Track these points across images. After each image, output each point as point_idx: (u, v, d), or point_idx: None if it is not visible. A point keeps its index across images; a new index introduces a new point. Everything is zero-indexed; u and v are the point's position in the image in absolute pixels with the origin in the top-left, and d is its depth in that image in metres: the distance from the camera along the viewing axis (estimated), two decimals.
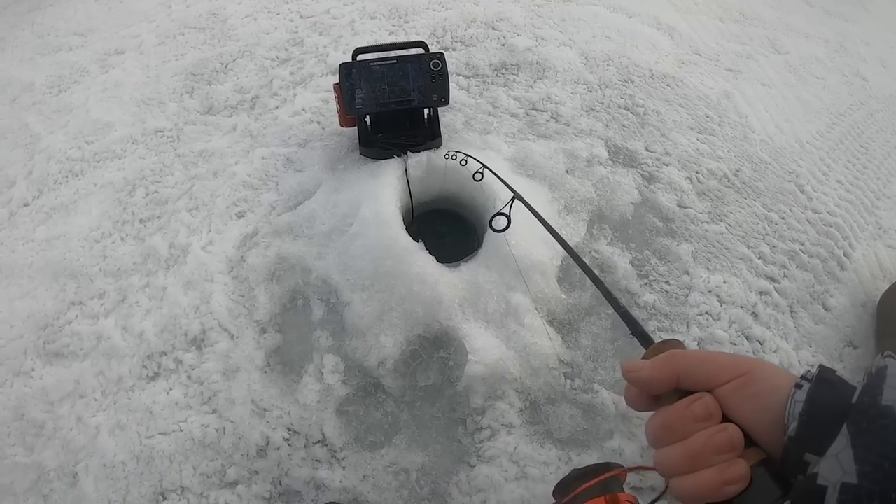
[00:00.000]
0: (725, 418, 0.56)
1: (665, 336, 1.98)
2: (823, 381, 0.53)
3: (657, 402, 0.62)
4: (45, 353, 2.03)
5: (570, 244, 2.05)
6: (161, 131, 2.66)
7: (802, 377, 0.55)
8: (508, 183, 1.57)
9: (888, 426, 0.46)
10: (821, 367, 0.55)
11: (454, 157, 2.04)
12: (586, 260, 2.07)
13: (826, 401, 0.51)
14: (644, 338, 0.71)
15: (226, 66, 2.91)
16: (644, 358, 0.65)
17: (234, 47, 2.99)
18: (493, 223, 1.32)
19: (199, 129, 2.63)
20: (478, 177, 1.81)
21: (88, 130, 2.70)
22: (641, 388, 0.62)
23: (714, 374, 0.57)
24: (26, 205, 2.47)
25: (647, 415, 0.64)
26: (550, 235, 1.99)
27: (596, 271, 2.07)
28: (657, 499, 0.93)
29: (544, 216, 2.07)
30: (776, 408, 0.54)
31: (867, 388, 0.50)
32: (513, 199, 1.37)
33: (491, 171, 1.79)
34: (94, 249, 2.25)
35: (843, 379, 0.54)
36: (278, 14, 3.17)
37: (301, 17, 3.12)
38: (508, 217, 1.31)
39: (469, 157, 2.00)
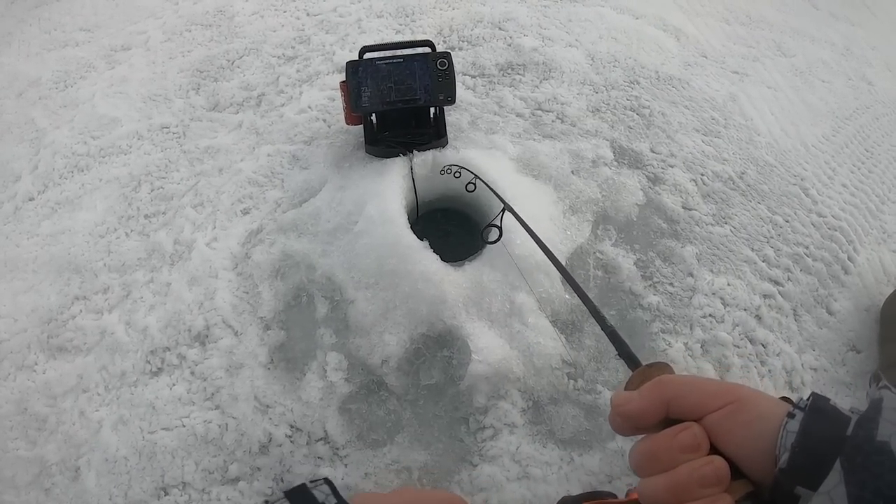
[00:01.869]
0: (713, 448, 0.55)
1: (668, 338, 1.99)
2: (817, 411, 0.52)
3: (642, 429, 0.61)
4: (48, 347, 2.03)
5: (575, 244, 2.07)
6: (167, 127, 2.66)
7: (795, 406, 0.53)
8: (499, 194, 1.57)
9: (883, 463, 0.45)
10: (814, 395, 0.54)
11: (448, 171, 2.04)
12: (590, 261, 2.09)
13: (819, 432, 0.50)
14: (631, 359, 0.70)
15: (232, 64, 2.91)
16: (629, 382, 0.64)
17: (241, 44, 2.99)
18: (485, 235, 1.31)
19: (204, 126, 2.64)
20: (470, 188, 1.81)
21: (94, 126, 2.70)
22: (632, 423, 0.60)
23: (703, 401, 0.56)
24: (31, 199, 2.48)
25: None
26: (553, 240, 2.00)
27: (599, 272, 2.08)
28: None
29: (548, 217, 2.09)
30: (767, 437, 0.52)
31: (862, 421, 0.49)
32: (503, 211, 1.36)
33: (483, 182, 1.79)
34: (99, 244, 2.26)
35: (837, 408, 0.53)
36: (285, 12, 3.17)
37: (308, 15, 3.12)
38: (500, 228, 1.30)
39: (462, 169, 2.00)
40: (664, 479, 0.53)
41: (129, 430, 1.84)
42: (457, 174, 2.00)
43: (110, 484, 1.76)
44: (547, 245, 1.10)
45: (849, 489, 0.45)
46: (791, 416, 0.52)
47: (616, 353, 0.75)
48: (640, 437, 0.60)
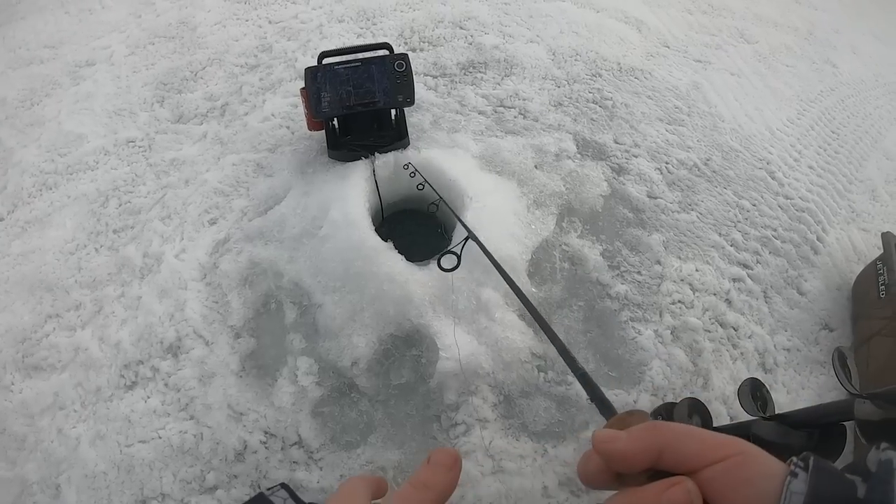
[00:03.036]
0: None
1: (637, 326, 2.00)
2: (823, 471, 0.46)
3: (618, 480, 0.53)
4: (23, 366, 2.03)
5: (540, 237, 2.08)
6: (133, 141, 2.66)
7: (793, 464, 0.47)
8: (464, 221, 1.57)
9: None
10: (812, 455, 0.48)
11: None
12: (556, 254, 2.11)
13: (830, 496, 0.44)
14: (605, 406, 0.64)
15: (196, 75, 2.92)
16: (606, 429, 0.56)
17: (204, 55, 3.00)
18: (443, 262, 1.28)
19: (170, 138, 2.64)
20: (432, 209, 1.82)
21: (61, 143, 2.70)
22: (616, 464, 0.51)
23: (701, 451, 0.49)
24: (1, 220, 2.47)
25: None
26: (518, 235, 2.02)
27: (566, 265, 2.10)
28: None
29: (513, 212, 2.11)
30: (771, 496, 0.45)
31: (876, 484, 0.44)
32: (466, 240, 1.34)
33: (447, 205, 1.81)
34: (70, 261, 2.26)
35: (838, 469, 0.48)
36: (247, 20, 3.18)
37: (269, 22, 3.14)
38: (459, 257, 1.27)
39: (426, 183, 2.02)
40: None
41: (106, 444, 1.84)
42: (412, 174, 2.04)
43: (90, 500, 1.76)
44: (510, 276, 1.09)
45: None
46: (793, 474, 0.46)
47: (588, 398, 0.69)
48: (611, 492, 0.52)
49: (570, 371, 1.84)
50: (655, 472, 0.50)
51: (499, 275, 1.90)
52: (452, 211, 1.75)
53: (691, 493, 0.46)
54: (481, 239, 1.86)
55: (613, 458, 0.50)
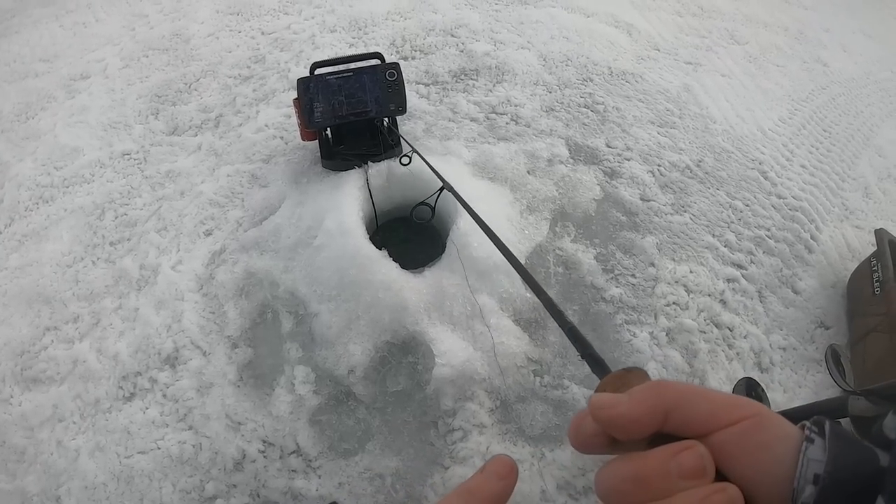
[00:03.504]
0: (717, 472, 0.42)
1: (632, 328, 2.01)
2: (841, 438, 0.42)
3: (615, 445, 0.46)
4: (22, 379, 2.04)
5: (534, 243, 2.09)
6: (128, 154, 2.67)
7: (808, 429, 0.43)
8: (438, 172, 1.57)
9: None
10: (827, 419, 0.44)
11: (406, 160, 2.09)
12: (550, 258, 2.11)
13: (850, 464, 0.41)
14: (597, 363, 0.56)
15: (190, 87, 2.93)
16: (599, 391, 0.49)
17: (198, 67, 3.02)
18: (416, 214, 1.27)
19: (164, 150, 2.66)
20: (405, 161, 1.82)
21: (57, 156, 2.71)
22: (618, 431, 0.45)
23: (713, 412, 0.44)
24: None
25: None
26: (511, 240, 2.02)
27: (560, 269, 2.10)
28: None
29: (506, 217, 2.12)
30: (787, 462, 0.42)
31: None
32: (441, 190, 1.35)
33: (420, 155, 1.81)
34: (67, 274, 2.26)
35: (856, 435, 0.43)
36: (240, 32, 3.19)
37: (262, 33, 3.15)
38: (433, 207, 1.28)
39: (409, 149, 2.03)
40: None
41: (106, 456, 1.85)
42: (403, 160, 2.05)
43: None
44: (494, 231, 1.08)
45: None
46: (809, 440, 0.42)
47: (579, 355, 0.60)
48: (609, 457, 0.46)
49: (565, 375, 1.86)
50: (658, 436, 0.45)
51: (494, 280, 1.93)
52: (427, 163, 1.74)
53: (704, 458, 0.41)
54: (475, 245, 1.88)
55: (615, 425, 0.45)
